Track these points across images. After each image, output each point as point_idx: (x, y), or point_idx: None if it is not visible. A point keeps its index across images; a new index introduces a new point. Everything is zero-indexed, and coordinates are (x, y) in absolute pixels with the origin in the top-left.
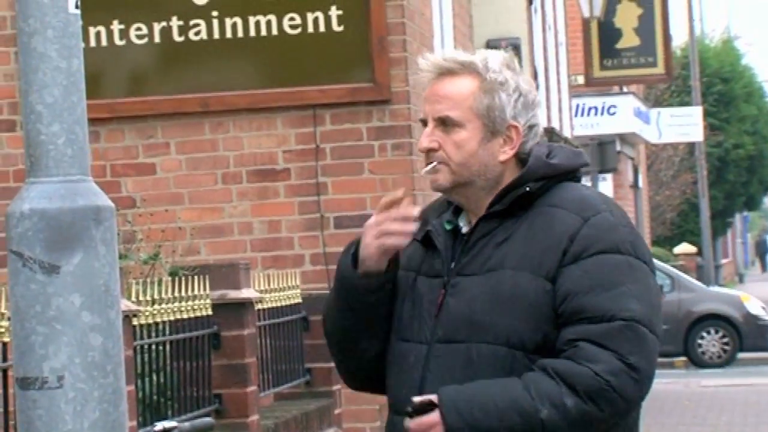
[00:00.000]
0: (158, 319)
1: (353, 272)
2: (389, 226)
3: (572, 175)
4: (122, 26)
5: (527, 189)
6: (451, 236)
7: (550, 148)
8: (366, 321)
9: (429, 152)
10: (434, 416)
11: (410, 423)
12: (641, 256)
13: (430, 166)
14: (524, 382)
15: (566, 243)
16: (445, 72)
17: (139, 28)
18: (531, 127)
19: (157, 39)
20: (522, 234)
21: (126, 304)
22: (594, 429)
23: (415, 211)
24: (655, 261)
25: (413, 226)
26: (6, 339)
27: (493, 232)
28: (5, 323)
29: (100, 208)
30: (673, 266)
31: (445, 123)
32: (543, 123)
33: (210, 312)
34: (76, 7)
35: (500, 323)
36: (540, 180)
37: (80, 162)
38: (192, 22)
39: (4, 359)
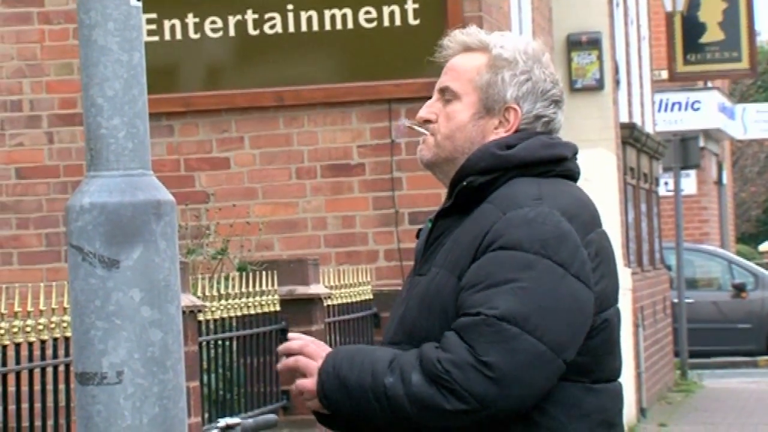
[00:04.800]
0: (225, 315)
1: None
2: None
3: (538, 168)
4: (197, 20)
5: (464, 183)
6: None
7: (522, 138)
8: None
9: (426, 123)
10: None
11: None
12: (553, 256)
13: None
14: (398, 351)
15: (480, 239)
16: (465, 48)
17: (213, 22)
18: (538, 117)
19: (231, 32)
20: (458, 231)
21: (189, 299)
22: (458, 423)
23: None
24: (739, 258)
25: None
26: (67, 334)
27: (447, 230)
28: (66, 318)
29: (161, 203)
30: (757, 264)
31: (445, 93)
32: (560, 122)
33: (278, 308)
34: None
35: (420, 324)
36: (486, 173)
37: (141, 156)
38: (267, 16)
39: (66, 354)
